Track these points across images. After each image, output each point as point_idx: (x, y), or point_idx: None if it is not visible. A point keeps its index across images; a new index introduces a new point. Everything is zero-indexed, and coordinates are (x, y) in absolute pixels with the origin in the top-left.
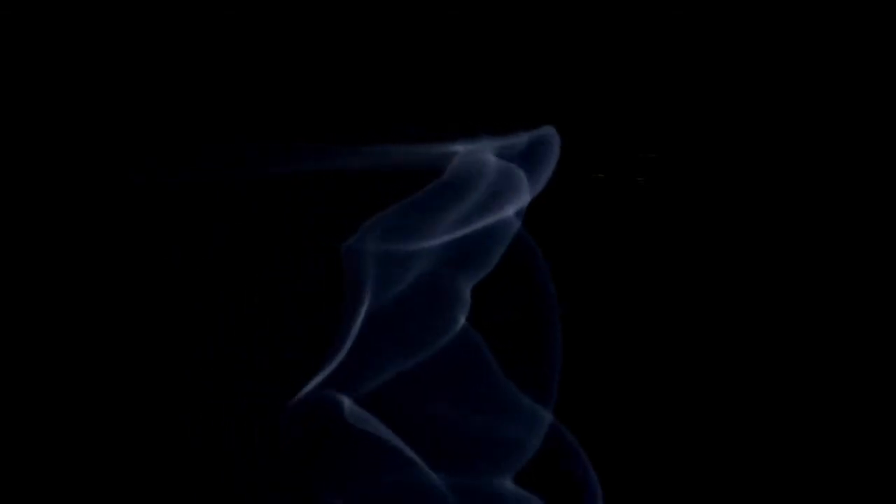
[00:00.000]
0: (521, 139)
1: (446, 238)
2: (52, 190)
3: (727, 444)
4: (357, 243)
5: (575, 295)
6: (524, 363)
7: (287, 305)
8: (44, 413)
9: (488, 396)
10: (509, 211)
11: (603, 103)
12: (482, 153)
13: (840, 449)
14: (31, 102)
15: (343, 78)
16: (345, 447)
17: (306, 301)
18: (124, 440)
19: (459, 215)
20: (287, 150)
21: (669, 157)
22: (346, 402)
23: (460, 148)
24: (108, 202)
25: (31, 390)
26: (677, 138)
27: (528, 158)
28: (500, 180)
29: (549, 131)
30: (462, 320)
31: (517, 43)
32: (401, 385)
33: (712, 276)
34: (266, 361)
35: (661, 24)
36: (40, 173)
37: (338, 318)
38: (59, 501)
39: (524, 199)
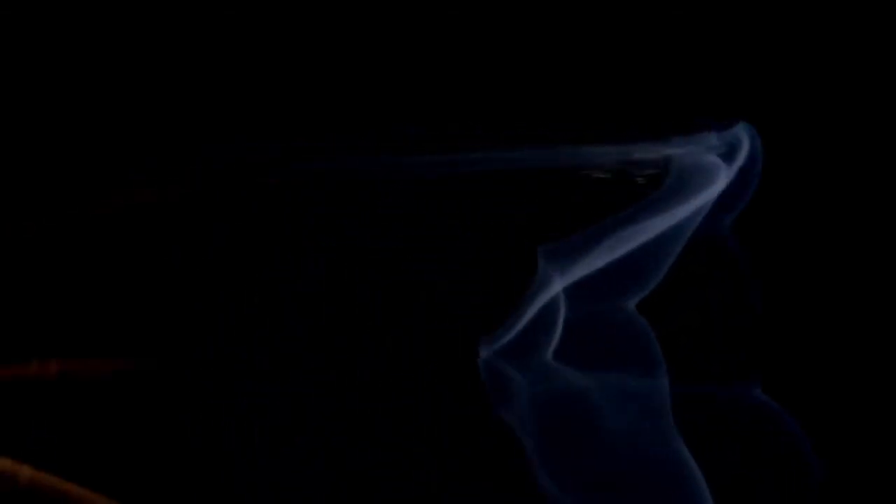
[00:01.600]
0: (715, 138)
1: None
2: (52, 190)
3: None
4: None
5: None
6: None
7: (287, 305)
8: (44, 413)
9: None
10: (694, 209)
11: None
12: (676, 153)
13: None
14: (32, 102)
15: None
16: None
17: (306, 301)
18: (124, 440)
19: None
20: (475, 145)
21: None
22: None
23: (650, 148)
24: (108, 202)
25: (32, 390)
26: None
27: (723, 157)
28: (688, 179)
29: (744, 128)
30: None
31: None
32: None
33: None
34: (266, 361)
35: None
36: (40, 173)
37: (337, 317)
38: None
39: (712, 195)
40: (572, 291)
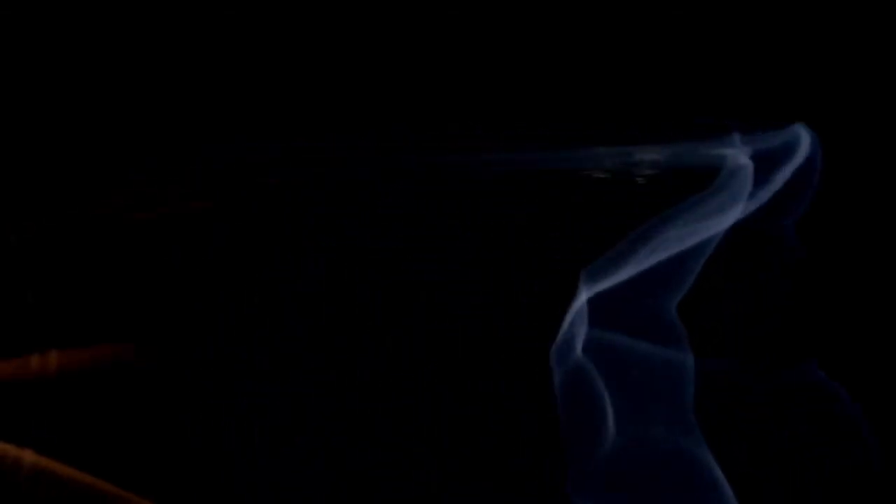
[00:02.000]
0: (770, 138)
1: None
2: (52, 190)
3: None
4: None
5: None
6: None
7: (287, 305)
8: (44, 412)
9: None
10: (737, 211)
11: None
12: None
13: None
14: (32, 102)
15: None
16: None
17: (306, 301)
18: (124, 440)
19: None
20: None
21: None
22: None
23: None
24: (108, 202)
25: (32, 389)
26: None
27: (773, 156)
28: (744, 180)
29: (799, 129)
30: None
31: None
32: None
33: None
34: (266, 361)
35: None
36: (40, 173)
37: (337, 317)
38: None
39: (767, 196)
40: (609, 293)
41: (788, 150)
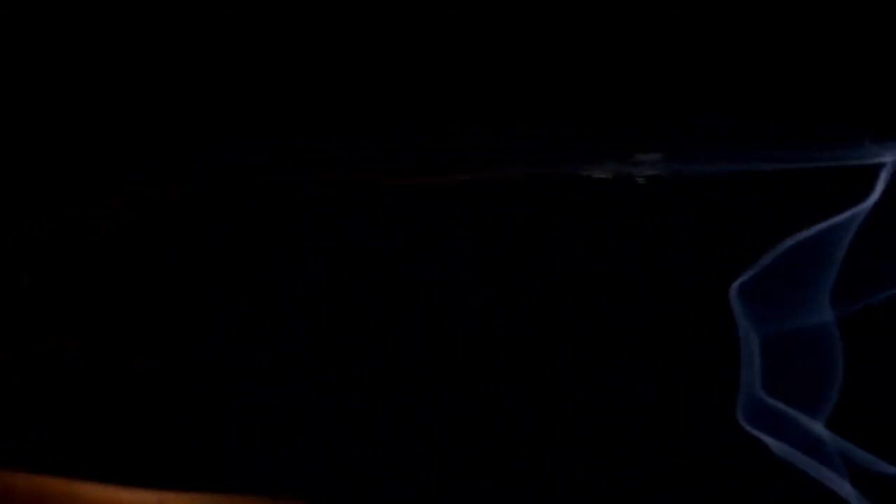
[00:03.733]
0: None
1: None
2: (52, 190)
3: None
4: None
5: None
6: None
7: (287, 305)
8: (44, 413)
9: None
10: None
11: None
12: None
13: None
14: (32, 102)
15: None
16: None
17: (306, 301)
18: (125, 440)
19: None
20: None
21: None
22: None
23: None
24: (108, 202)
25: (32, 389)
26: None
27: None
28: None
29: None
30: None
31: None
32: None
33: None
34: (266, 361)
35: None
36: (40, 173)
37: (337, 317)
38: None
39: None
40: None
41: None
